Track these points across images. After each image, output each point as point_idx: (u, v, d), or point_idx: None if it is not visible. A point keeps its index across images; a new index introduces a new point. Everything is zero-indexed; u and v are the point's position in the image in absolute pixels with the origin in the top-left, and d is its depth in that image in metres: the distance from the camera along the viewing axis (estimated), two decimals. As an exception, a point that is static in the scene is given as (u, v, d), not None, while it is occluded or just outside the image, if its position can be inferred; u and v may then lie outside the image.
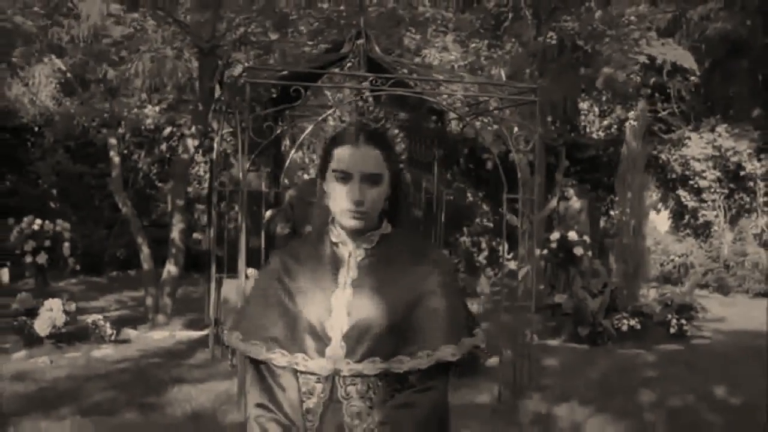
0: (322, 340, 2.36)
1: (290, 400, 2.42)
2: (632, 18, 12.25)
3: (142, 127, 18.10)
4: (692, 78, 19.06)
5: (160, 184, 19.60)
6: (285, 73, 9.01)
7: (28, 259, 10.70)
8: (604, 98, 21.23)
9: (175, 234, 12.48)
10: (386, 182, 2.38)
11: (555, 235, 11.66)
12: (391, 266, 2.41)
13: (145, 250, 12.67)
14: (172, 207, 13.93)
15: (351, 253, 2.43)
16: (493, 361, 8.30)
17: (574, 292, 10.87)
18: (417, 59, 12.68)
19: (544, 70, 14.85)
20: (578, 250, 11.29)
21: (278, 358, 2.39)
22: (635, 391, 8.28)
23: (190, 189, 17.46)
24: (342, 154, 2.34)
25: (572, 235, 11.38)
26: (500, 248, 19.05)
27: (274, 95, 9.00)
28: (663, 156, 19.80)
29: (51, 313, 9.48)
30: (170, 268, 12.41)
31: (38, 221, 10.79)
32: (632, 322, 10.49)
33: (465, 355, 2.36)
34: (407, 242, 2.50)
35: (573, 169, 19.81)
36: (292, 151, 8.30)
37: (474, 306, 8.63)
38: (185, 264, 12.81)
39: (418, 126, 10.07)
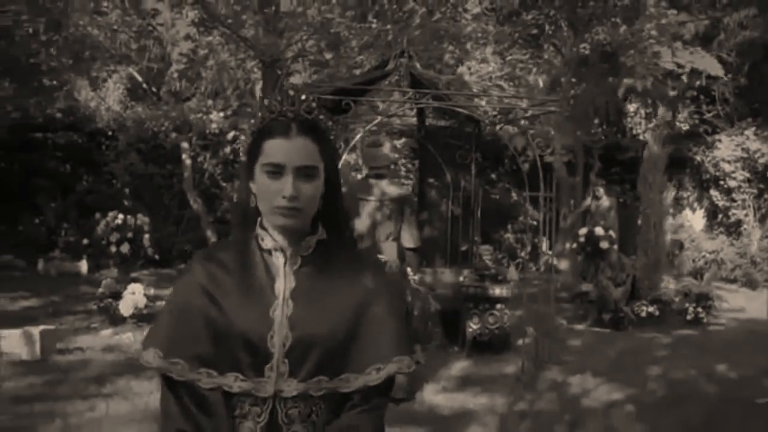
0: (260, 357, 2.13)
1: (218, 427, 2.16)
2: (653, 32, 13.23)
3: (208, 132, 19.39)
4: (739, 81, 19.77)
5: (224, 184, 20.94)
6: (340, 86, 10.27)
7: (113, 249, 12.07)
8: (649, 101, 22.07)
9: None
10: (322, 176, 2.17)
11: (583, 231, 12.77)
12: (331, 274, 2.23)
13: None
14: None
15: (287, 260, 2.22)
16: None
17: (598, 282, 12.01)
18: (459, 69, 13.87)
19: (580, 77, 15.92)
20: (604, 244, 12.37)
21: (205, 378, 2.13)
22: (644, 366, 9.41)
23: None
24: (273, 146, 2.13)
25: (598, 230, 12.47)
26: (542, 245, 20.19)
27: (328, 105, 10.28)
28: (697, 158, 20.70)
29: (133, 296, 10.74)
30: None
31: (121, 216, 12.15)
32: (651, 309, 11.64)
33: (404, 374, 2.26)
34: (344, 248, 2.33)
35: (614, 169, 20.73)
36: (344, 154, 9.53)
37: (504, 291, 9.84)
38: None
39: (457, 132, 11.25)
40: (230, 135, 18.35)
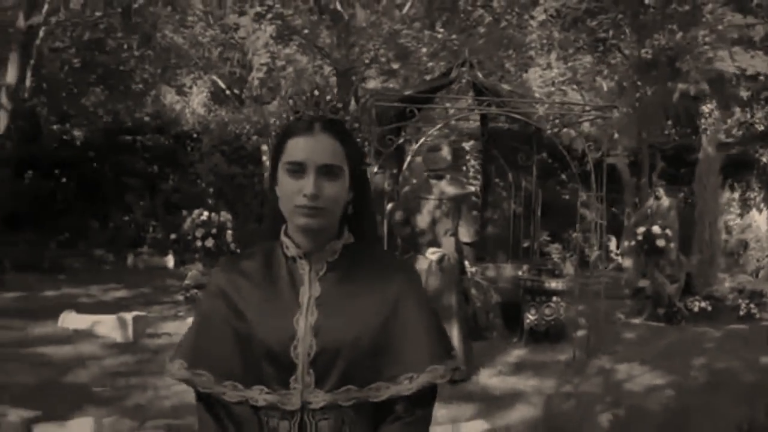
0: (284, 368, 2.07)
1: None
2: (707, 38, 13.71)
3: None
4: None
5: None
6: (406, 94, 11.03)
7: (198, 244, 12.96)
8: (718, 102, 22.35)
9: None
10: (346, 178, 2.11)
11: (641, 229, 13.30)
12: (358, 280, 2.16)
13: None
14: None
15: (311, 267, 2.16)
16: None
17: (654, 278, 12.59)
18: (524, 75, 14.52)
19: (644, 81, 16.45)
20: (660, 242, 12.87)
21: (230, 391, 2.10)
22: (690, 357, 9.98)
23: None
24: (294, 144, 2.08)
25: (655, 229, 12.98)
26: (609, 243, 20.72)
27: (396, 112, 11.04)
28: (764, 159, 20.97)
29: (216, 288, 11.67)
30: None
31: (206, 213, 13.05)
32: (703, 304, 12.18)
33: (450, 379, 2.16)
34: (373, 253, 2.26)
35: (682, 170, 21.13)
36: (408, 157, 10.28)
37: (559, 285, 10.51)
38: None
39: (518, 135, 11.92)
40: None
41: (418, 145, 9.80)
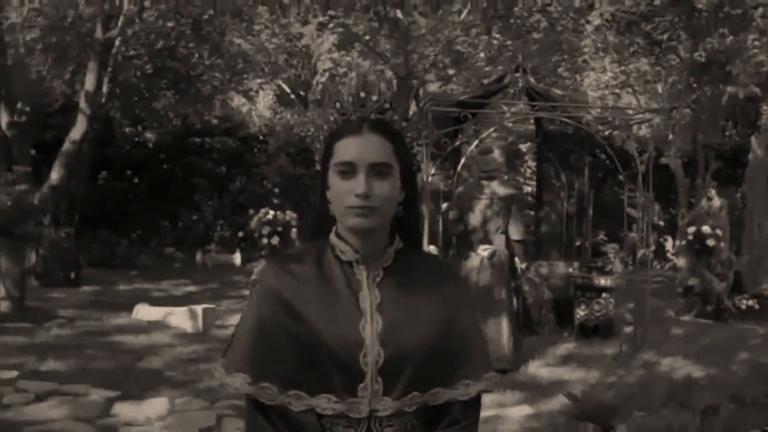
0: (354, 376, 2.04)
1: None
2: (756, 42, 13.97)
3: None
4: None
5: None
6: (461, 98, 11.54)
7: (264, 241, 13.58)
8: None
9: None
10: (397, 177, 2.07)
11: (691, 229, 13.62)
12: (414, 286, 2.14)
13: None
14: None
15: (369, 273, 2.12)
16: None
17: (703, 277, 12.92)
18: (579, 80, 14.91)
19: (699, 83, 16.71)
20: (710, 242, 13.18)
21: (295, 401, 2.05)
22: (734, 352, 10.33)
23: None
24: (343, 145, 2.07)
25: (705, 229, 13.29)
26: (666, 244, 20.99)
27: (454, 116, 11.55)
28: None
29: (282, 283, 12.28)
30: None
31: (271, 212, 13.67)
32: (751, 303, 12.51)
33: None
34: (423, 258, 2.25)
35: (739, 170, 21.27)
36: (462, 159, 10.75)
37: (608, 282, 10.92)
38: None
39: (572, 137, 12.33)
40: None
41: (472, 147, 10.27)
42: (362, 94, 2.16)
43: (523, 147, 17.07)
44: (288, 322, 2.04)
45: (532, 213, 14.27)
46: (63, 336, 10.37)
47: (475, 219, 9.28)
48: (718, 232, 13.43)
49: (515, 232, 9.36)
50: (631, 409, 4.12)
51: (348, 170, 2.02)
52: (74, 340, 10.05)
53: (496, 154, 9.57)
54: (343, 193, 2.01)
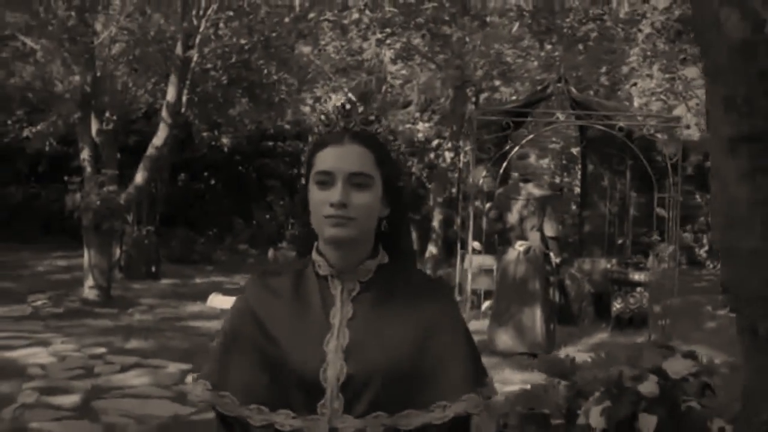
0: (312, 392, 1.97)
1: None
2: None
3: (415, 140, 21.83)
4: None
5: (429, 185, 23.44)
6: (505, 108, 12.50)
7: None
8: None
9: (435, 224, 16.52)
10: (378, 189, 2.01)
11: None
12: (392, 302, 2.05)
13: (413, 235, 16.75)
14: (433, 203, 17.91)
15: (344, 287, 2.05)
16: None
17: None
18: (626, 87, 15.68)
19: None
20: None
21: (255, 415, 2.00)
22: (758, 342, 11.09)
23: (453, 190, 21.18)
24: (323, 155, 2.01)
25: (741, 228, 14.03)
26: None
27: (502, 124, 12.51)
28: None
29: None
30: (432, 249, 16.44)
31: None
32: (785, 298, 13.20)
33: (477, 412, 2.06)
34: (408, 274, 2.14)
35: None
36: (504, 163, 11.71)
37: (643, 277, 11.77)
38: (443, 246, 16.76)
39: (613, 141, 13.17)
40: (434, 142, 20.62)
41: (514, 152, 11.22)
42: (347, 106, 2.15)
43: (574, 150, 17.89)
44: (255, 336, 2.02)
45: (575, 209, 15.13)
46: (144, 320, 11.66)
47: (512, 217, 10.21)
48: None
49: (549, 230, 10.25)
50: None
51: (326, 180, 1.97)
52: (154, 324, 11.30)
53: (532, 158, 10.50)
54: (320, 203, 1.97)
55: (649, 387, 3.51)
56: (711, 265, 20.69)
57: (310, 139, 23.04)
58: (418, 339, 2.01)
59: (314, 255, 2.09)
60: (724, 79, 3.94)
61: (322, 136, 2.11)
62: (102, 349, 9.49)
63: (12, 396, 7.37)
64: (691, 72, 17.38)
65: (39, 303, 12.72)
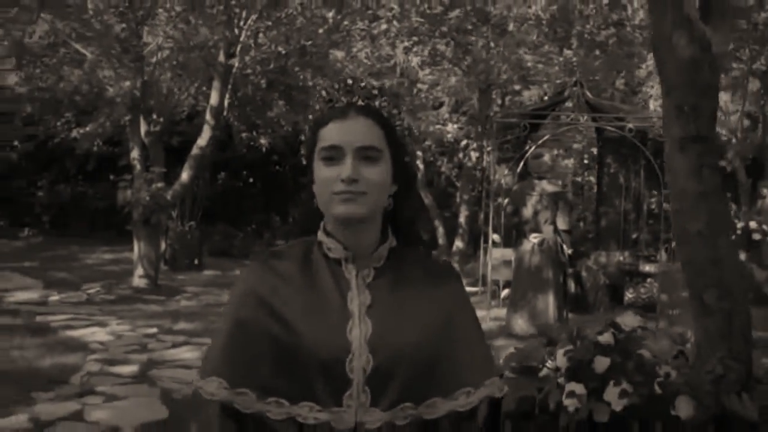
0: (339, 384, 1.86)
1: None
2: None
3: (444, 140, 22.68)
4: None
5: (458, 184, 24.29)
6: (522, 111, 13.36)
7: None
8: None
9: (462, 219, 17.47)
10: (388, 163, 1.91)
11: (740, 225, 15.10)
12: (408, 287, 1.97)
13: (441, 231, 17.68)
14: (460, 200, 18.84)
15: (358, 272, 1.95)
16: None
17: (747, 267, 14.44)
18: (642, 89, 16.47)
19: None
20: (756, 236, 14.65)
21: (275, 409, 1.87)
22: (758, 331, 11.86)
23: (480, 187, 22.05)
24: (329, 130, 1.90)
25: (752, 224, 14.75)
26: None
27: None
28: None
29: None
30: (458, 244, 17.40)
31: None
32: (791, 290, 13.97)
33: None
34: (419, 258, 2.05)
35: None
36: (521, 163, 12.54)
37: (653, 268, 12.59)
38: (468, 240, 17.68)
39: (627, 142, 13.98)
40: (463, 143, 21.48)
41: (530, 152, 12.07)
42: (349, 81, 2.33)
43: (595, 150, 18.68)
44: (268, 324, 1.89)
45: (593, 204, 15.96)
46: (190, 306, 12.69)
47: (527, 212, 11.04)
48: (765, 227, 14.87)
49: (562, 223, 11.09)
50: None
51: (334, 155, 1.87)
52: (199, 309, 12.31)
53: (546, 158, 11.34)
54: (329, 180, 1.86)
55: (606, 338, 4.38)
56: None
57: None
58: (437, 326, 1.95)
59: (322, 236, 1.98)
60: (675, 90, 4.84)
61: (325, 111, 1.93)
62: (153, 330, 10.53)
63: (78, 366, 8.39)
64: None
65: (93, 291, 13.85)
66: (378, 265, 1.98)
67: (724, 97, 18.41)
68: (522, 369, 5.08)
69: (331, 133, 1.90)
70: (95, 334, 10.11)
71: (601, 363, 4.26)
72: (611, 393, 4.11)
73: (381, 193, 1.91)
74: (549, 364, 4.51)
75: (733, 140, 17.66)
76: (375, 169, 1.88)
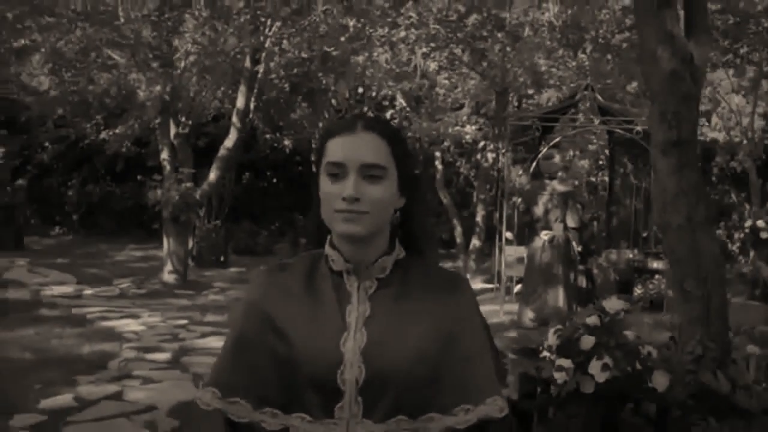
0: (329, 395, 1.88)
1: None
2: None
3: (463, 142, 23.16)
4: None
5: (475, 184, 24.79)
6: (539, 112, 13.89)
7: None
8: None
9: (478, 218, 18.03)
10: (393, 181, 1.91)
11: (748, 223, 15.55)
12: (411, 299, 1.96)
13: (459, 230, 18.26)
14: (476, 200, 19.39)
15: (360, 284, 1.95)
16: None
17: (755, 264, 14.89)
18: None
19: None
20: (763, 234, 15.09)
21: (269, 419, 1.91)
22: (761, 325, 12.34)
23: (496, 187, 22.53)
24: (334, 144, 1.91)
25: (759, 223, 15.20)
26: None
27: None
28: None
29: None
30: (475, 242, 17.96)
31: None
32: (798, 288, 14.42)
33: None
34: (427, 270, 2.03)
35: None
36: (534, 163, 13.06)
37: (661, 265, 13.07)
38: (485, 239, 18.25)
39: (637, 143, 14.48)
40: (481, 144, 21.99)
41: (542, 153, 12.60)
42: (360, 89, 2.16)
43: (608, 151, 19.18)
44: (267, 336, 1.92)
45: (604, 203, 16.48)
46: (217, 300, 13.33)
47: (539, 210, 11.56)
48: (772, 225, 15.33)
49: (571, 221, 11.60)
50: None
51: (338, 171, 1.88)
52: (226, 303, 12.93)
53: (557, 159, 11.87)
54: (332, 196, 1.88)
55: (592, 319, 4.93)
56: (742, 260, 21.73)
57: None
58: (439, 339, 1.92)
59: (327, 249, 2.00)
60: (659, 99, 5.38)
61: (334, 122, 1.96)
62: (184, 321, 11.17)
63: (115, 353, 9.03)
64: (719, 75, 18.59)
65: (124, 285, 14.54)
66: (381, 276, 1.98)
67: (736, 100, 18.93)
68: (523, 351, 5.65)
69: (336, 148, 1.90)
70: (129, 325, 10.76)
71: (587, 341, 4.80)
72: (595, 366, 4.65)
73: (383, 211, 1.91)
74: (544, 344, 5.06)
75: (744, 141, 18.12)
76: (378, 187, 1.88)
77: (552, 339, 4.94)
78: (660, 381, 4.72)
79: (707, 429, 4.85)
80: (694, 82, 5.40)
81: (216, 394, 1.92)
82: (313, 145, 19.64)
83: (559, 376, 4.74)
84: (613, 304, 5.03)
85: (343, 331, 1.90)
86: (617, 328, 5.00)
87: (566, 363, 4.72)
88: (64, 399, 7.14)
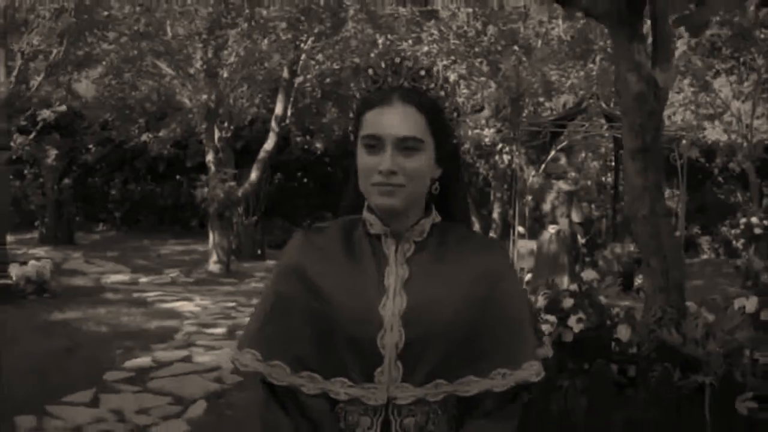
0: (370, 359, 1.88)
1: None
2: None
3: (483, 143, 24.39)
4: None
5: (493, 183, 26.03)
6: (550, 118, 15.28)
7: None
8: None
9: (495, 215, 19.44)
10: (431, 153, 1.90)
11: (743, 220, 16.87)
12: (449, 262, 1.95)
13: (477, 226, 19.69)
14: (493, 198, 20.78)
15: (398, 247, 1.94)
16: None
17: (748, 258, 16.21)
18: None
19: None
20: (757, 230, 16.37)
21: (308, 383, 1.90)
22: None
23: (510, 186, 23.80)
24: (371, 116, 1.89)
25: (754, 220, 16.50)
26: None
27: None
28: None
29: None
30: (492, 237, 19.38)
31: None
32: (788, 278, 15.71)
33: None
34: (463, 233, 2.02)
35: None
36: (544, 164, 14.45)
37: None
38: (501, 235, 19.62)
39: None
40: (499, 146, 23.29)
41: (551, 155, 14.01)
42: (397, 60, 1.97)
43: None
44: (306, 299, 1.92)
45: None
46: (259, 287, 14.75)
47: (546, 207, 12.92)
48: (766, 222, 16.62)
49: (576, 216, 12.94)
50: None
51: (374, 144, 1.87)
52: (268, 290, 14.35)
53: (563, 161, 13.26)
54: (369, 169, 1.87)
55: (573, 287, 6.36)
56: (746, 256, 22.94)
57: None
58: (476, 303, 1.91)
59: (365, 214, 1.99)
60: (628, 114, 6.79)
61: (371, 93, 1.95)
62: (232, 303, 12.67)
63: (178, 328, 10.52)
64: (721, 82, 19.84)
65: (174, 274, 16.07)
66: (419, 240, 1.96)
67: (736, 104, 20.20)
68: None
69: (373, 121, 1.89)
70: (185, 306, 12.27)
71: (567, 302, 6.22)
72: (572, 320, 6.06)
73: (420, 183, 1.90)
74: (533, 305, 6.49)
75: (744, 144, 19.44)
76: (414, 160, 1.86)
77: (541, 301, 6.36)
78: (623, 332, 6.12)
79: (663, 373, 6.22)
80: (658, 102, 6.76)
81: (256, 356, 1.93)
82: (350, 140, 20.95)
83: (545, 328, 6.16)
84: (588, 274, 6.45)
85: (382, 294, 1.90)
86: (592, 292, 6.42)
87: (551, 318, 6.14)
88: (144, 361, 8.62)
